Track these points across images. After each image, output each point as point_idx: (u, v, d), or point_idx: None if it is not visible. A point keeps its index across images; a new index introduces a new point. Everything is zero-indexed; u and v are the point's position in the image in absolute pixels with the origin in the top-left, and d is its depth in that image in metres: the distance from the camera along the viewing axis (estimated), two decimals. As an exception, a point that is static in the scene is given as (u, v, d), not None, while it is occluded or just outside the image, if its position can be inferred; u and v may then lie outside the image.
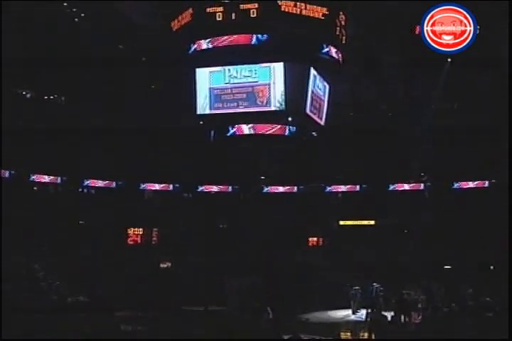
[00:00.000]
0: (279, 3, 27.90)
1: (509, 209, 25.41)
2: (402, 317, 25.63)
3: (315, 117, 31.32)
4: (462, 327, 19.73)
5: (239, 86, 29.78)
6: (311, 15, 28.15)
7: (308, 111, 30.18)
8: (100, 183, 37.71)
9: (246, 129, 30.77)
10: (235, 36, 28.61)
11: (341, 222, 39.22)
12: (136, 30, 34.12)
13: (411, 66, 33.73)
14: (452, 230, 34.38)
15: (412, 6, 27.68)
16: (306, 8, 28.07)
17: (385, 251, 35.38)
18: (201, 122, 31.75)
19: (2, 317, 18.85)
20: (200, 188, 40.22)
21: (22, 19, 30.83)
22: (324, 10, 28.35)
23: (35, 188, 36.19)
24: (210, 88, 30.24)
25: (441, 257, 34.18)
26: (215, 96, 30.18)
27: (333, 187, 39.70)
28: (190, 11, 29.47)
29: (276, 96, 29.11)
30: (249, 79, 29.52)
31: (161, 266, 36.77)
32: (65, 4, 32.54)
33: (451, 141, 35.48)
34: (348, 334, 24.89)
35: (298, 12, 27.94)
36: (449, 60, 32.41)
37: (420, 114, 36.12)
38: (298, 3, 27.96)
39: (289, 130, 30.78)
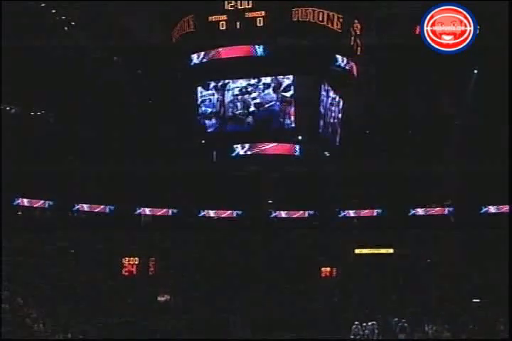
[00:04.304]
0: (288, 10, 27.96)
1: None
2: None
3: (327, 135, 31.13)
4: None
5: (244, 102, 29.66)
6: (324, 23, 28.09)
7: (320, 128, 30.01)
8: (92, 208, 37.27)
9: (252, 149, 30.65)
10: (240, 47, 28.58)
11: (357, 251, 38.78)
12: (132, 41, 34.09)
13: (433, 78, 33.70)
14: (481, 259, 33.94)
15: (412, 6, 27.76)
16: (318, 16, 28.02)
17: (405, 282, 35.01)
18: (203, 141, 31.62)
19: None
20: (202, 213, 39.84)
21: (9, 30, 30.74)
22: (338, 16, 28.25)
23: (19, 213, 35.78)
24: (212, 104, 30.19)
25: (469, 289, 33.66)
26: (218, 113, 30.10)
27: (348, 212, 39.24)
28: (191, 19, 29.51)
29: (286, 113, 29.02)
30: (254, 95, 29.43)
31: (159, 298, 36.26)
32: (54, 11, 32.38)
33: (478, 160, 35.16)
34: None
35: (309, 20, 27.92)
36: (476, 71, 32.49)
37: (444, 131, 36.05)
38: (309, 11, 27.89)
39: (300, 149, 30.63)
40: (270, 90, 29.19)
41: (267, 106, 29.11)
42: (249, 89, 29.52)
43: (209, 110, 30.06)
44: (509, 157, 27.28)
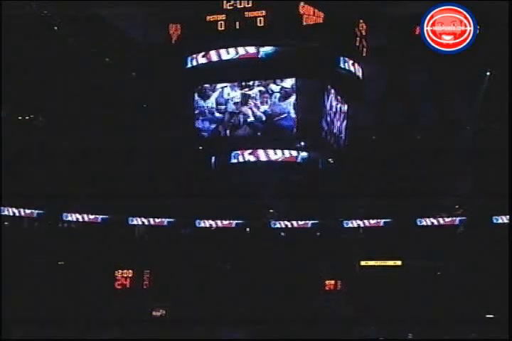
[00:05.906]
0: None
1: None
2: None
3: (332, 142, 30.74)
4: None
5: (243, 106, 29.29)
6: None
7: (323, 134, 29.55)
8: (83, 217, 37.14)
9: (253, 156, 30.29)
10: (239, 48, 28.19)
11: (363, 263, 38.59)
12: (125, 42, 33.85)
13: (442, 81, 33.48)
14: (495, 272, 33.18)
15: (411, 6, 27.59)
16: (321, 16, 27.64)
17: (414, 296, 34.79)
18: (200, 147, 31.32)
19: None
20: (199, 223, 39.72)
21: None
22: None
23: (6, 223, 35.40)
24: (210, 108, 29.82)
25: (482, 304, 33.42)
26: (216, 117, 29.73)
27: (353, 222, 39.13)
28: (188, 19, 29.17)
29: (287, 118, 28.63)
30: (255, 99, 29.02)
31: (154, 314, 36.27)
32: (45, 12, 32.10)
33: (491, 166, 34.86)
34: None
35: (312, 20, 27.51)
36: (488, 73, 32.30)
37: (454, 136, 35.75)
38: (313, 10, 27.48)
39: (302, 157, 30.25)
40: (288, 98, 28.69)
41: (277, 118, 28.65)
42: (257, 97, 29.06)
43: (207, 125, 29.59)
44: (509, 161, 27.42)
